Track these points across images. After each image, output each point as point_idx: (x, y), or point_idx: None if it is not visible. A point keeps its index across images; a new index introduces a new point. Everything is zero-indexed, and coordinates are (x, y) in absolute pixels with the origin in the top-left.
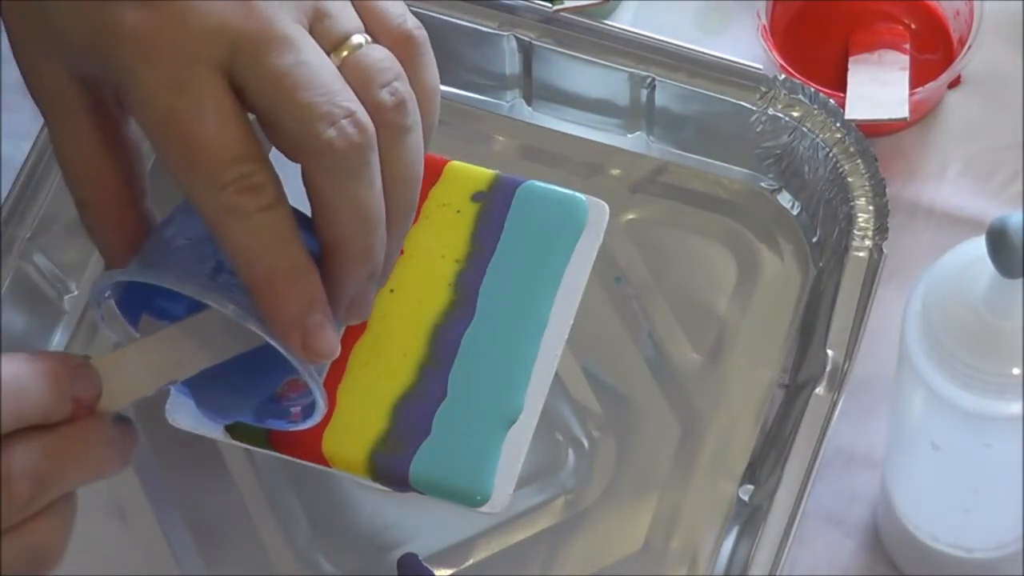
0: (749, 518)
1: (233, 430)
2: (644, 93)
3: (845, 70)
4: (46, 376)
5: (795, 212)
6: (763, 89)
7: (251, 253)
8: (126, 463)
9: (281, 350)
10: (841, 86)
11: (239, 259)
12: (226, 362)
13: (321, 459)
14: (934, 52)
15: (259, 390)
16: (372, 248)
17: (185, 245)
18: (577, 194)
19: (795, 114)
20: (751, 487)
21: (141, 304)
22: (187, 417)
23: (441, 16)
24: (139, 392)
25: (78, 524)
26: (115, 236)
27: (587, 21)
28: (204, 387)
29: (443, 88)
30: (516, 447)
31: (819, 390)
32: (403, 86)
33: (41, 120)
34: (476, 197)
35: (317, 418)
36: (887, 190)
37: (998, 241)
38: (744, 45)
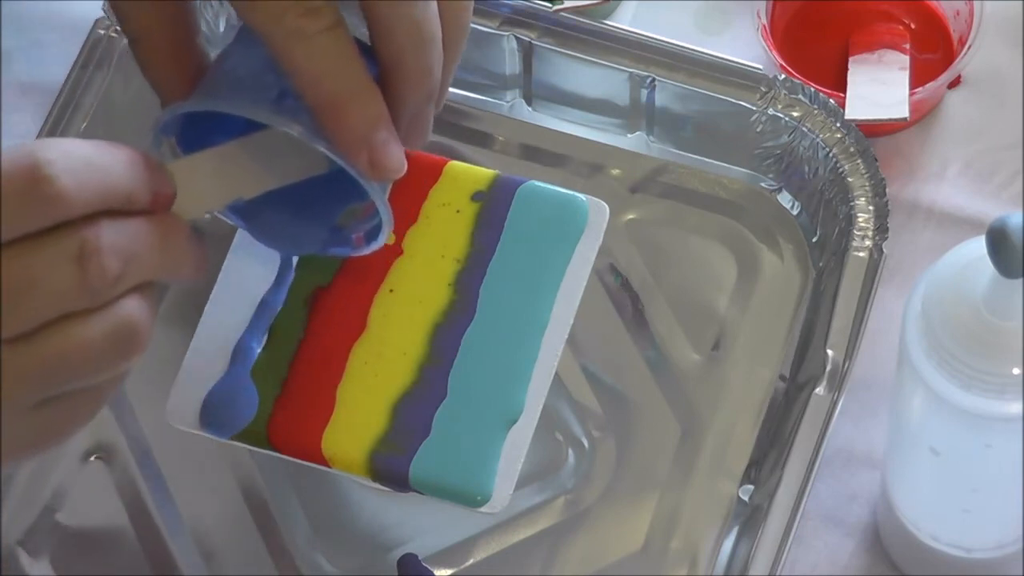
0: (749, 518)
1: (233, 431)
2: (644, 93)
3: (845, 70)
4: (130, 162)
5: (795, 212)
6: (763, 89)
7: (315, 73)
8: (201, 271)
9: (348, 169)
10: (841, 86)
11: (304, 80)
12: (287, 194)
13: (321, 459)
14: (934, 52)
15: (321, 219)
16: (430, 67)
17: (246, 76)
18: (577, 194)
19: (795, 114)
20: (751, 487)
21: (200, 144)
22: (187, 418)
23: None
24: (209, 204)
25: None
26: (170, 69)
27: (587, 21)
28: (266, 220)
29: None
30: (516, 447)
31: (819, 390)
32: None
33: (41, 120)
34: (476, 197)
35: (382, 240)
36: (887, 190)
37: (998, 241)
38: (744, 45)
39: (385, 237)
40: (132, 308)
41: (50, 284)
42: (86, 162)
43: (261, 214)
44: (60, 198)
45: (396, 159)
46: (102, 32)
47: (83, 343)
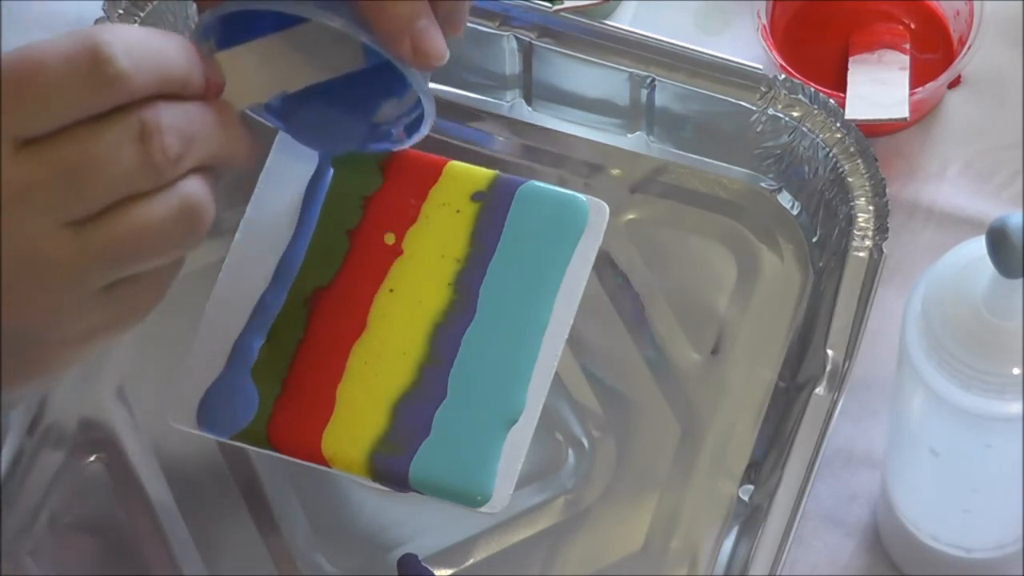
0: (749, 518)
1: (232, 431)
2: (644, 93)
3: (845, 70)
4: (183, 47)
5: (795, 212)
6: (763, 89)
7: None
8: (252, 158)
9: (391, 58)
10: (841, 86)
11: None
12: (327, 89)
13: (321, 459)
14: (934, 52)
15: (361, 114)
16: None
17: None
18: (577, 194)
19: (795, 114)
20: (751, 487)
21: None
22: (187, 417)
23: None
24: (254, 95)
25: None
26: None
27: (587, 21)
28: (305, 117)
29: (443, 88)
30: (516, 447)
31: (819, 390)
32: None
33: None
34: (476, 197)
35: (424, 131)
36: (887, 190)
37: (998, 241)
38: (744, 45)
39: (428, 128)
40: (194, 187)
41: (114, 165)
42: (143, 44)
43: (300, 111)
44: (120, 79)
45: (438, 45)
46: None
47: (149, 222)
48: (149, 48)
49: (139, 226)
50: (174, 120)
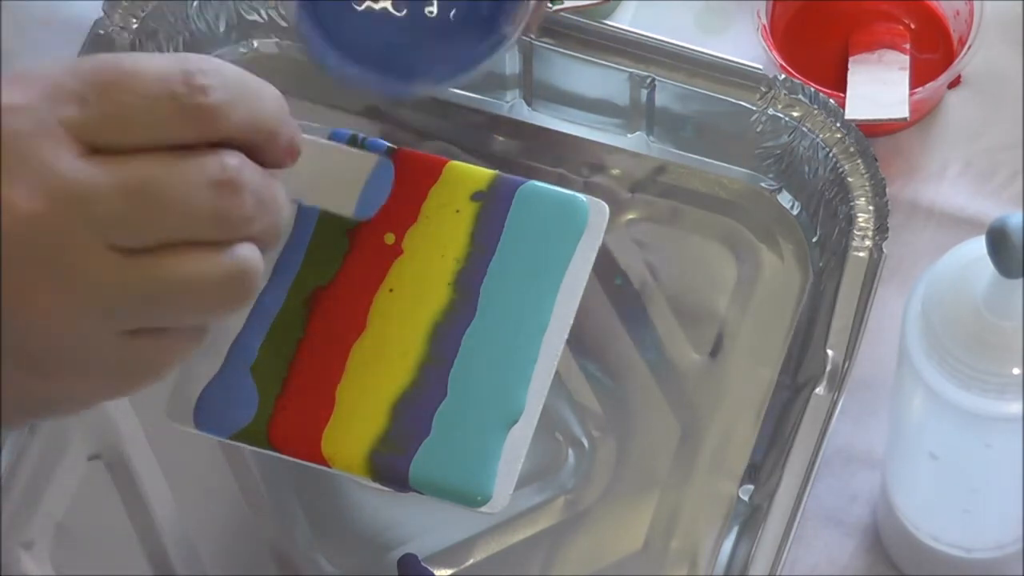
0: (749, 518)
1: (230, 430)
2: (644, 93)
3: (845, 70)
4: (278, 98)
5: (795, 212)
6: (763, 89)
7: None
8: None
9: None
10: (841, 86)
11: None
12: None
13: (321, 459)
14: (934, 52)
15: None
16: None
17: None
18: (577, 195)
19: (795, 114)
20: (751, 487)
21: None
22: (187, 417)
23: None
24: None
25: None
26: None
27: (587, 21)
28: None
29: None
30: (516, 447)
31: (819, 390)
32: None
33: None
34: (475, 197)
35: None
36: (887, 190)
37: (998, 241)
38: (744, 45)
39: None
40: (251, 254)
41: (185, 202)
42: (241, 83)
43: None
44: (213, 111)
45: None
46: (102, 32)
47: (201, 274)
48: (247, 88)
49: (189, 275)
50: (255, 178)
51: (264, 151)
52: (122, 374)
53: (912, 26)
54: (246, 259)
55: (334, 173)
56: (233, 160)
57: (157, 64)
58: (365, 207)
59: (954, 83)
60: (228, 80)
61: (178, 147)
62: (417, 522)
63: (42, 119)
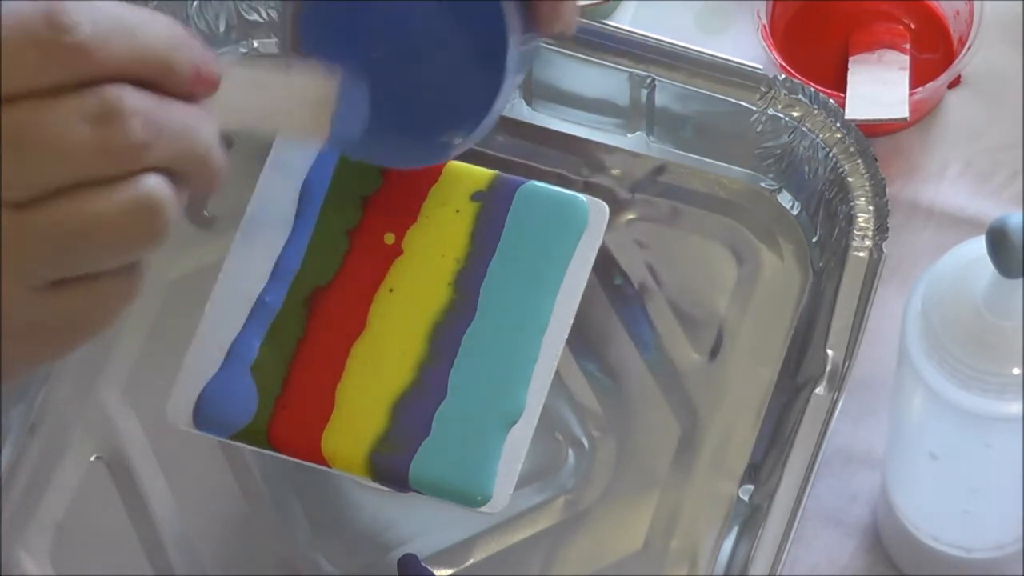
0: (749, 518)
1: (230, 430)
2: (644, 93)
3: (845, 70)
4: (170, 28)
5: (795, 212)
6: (763, 89)
7: None
8: (216, 184)
9: None
10: (841, 86)
11: None
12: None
13: (321, 459)
14: (934, 52)
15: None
16: None
17: None
18: (577, 195)
19: (795, 114)
20: (751, 487)
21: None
22: (187, 417)
23: None
24: (240, 119)
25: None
26: None
27: (587, 21)
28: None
29: None
30: (516, 447)
31: (819, 390)
32: None
33: None
34: (476, 197)
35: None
36: (887, 190)
37: (998, 241)
38: (744, 45)
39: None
40: (156, 185)
41: (63, 143)
42: (116, 18)
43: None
44: (80, 49)
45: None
46: None
47: (100, 213)
48: (122, 22)
49: (87, 215)
50: (143, 105)
51: (163, 84)
52: (57, 330)
53: (912, 26)
54: (150, 188)
55: (292, 99)
56: (112, 91)
57: (19, 9)
58: (341, 132)
59: (954, 83)
60: (100, 15)
61: (57, 89)
62: (417, 522)
63: None
